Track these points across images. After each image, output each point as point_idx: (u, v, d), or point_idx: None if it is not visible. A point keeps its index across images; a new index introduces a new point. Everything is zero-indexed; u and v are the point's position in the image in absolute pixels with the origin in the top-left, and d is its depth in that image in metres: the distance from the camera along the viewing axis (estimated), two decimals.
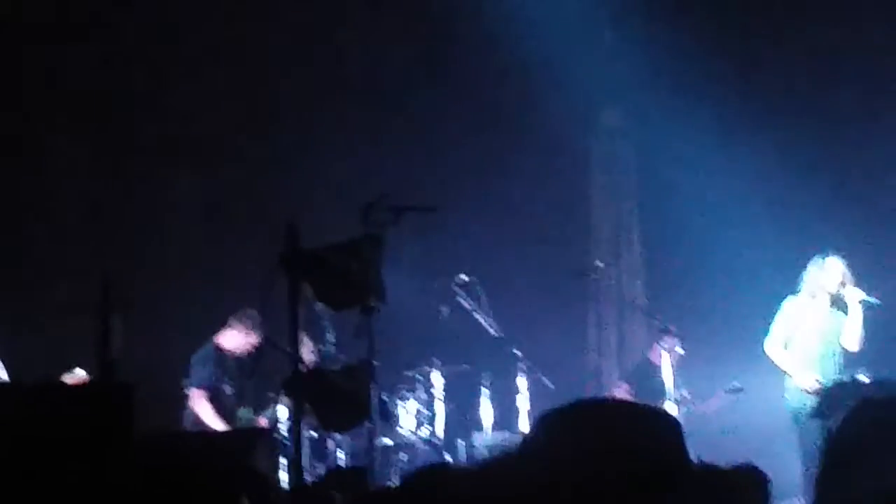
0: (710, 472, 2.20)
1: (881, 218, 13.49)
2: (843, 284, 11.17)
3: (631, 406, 2.25)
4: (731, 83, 13.86)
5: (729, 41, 14.14)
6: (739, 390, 12.24)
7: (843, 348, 11.25)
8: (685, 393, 13.14)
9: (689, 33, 13.75)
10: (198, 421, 11.56)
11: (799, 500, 10.06)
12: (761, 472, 3.83)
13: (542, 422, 2.30)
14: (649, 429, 2.14)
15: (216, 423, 11.49)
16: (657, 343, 13.03)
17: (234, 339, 11.92)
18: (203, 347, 11.91)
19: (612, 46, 14.36)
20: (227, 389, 11.83)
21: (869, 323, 11.17)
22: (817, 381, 11.03)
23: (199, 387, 11.66)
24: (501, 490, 2.08)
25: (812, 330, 11.28)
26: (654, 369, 12.86)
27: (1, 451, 4.35)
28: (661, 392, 12.82)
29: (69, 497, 3.49)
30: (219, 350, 11.89)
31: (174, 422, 11.58)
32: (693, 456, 2.46)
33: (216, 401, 11.68)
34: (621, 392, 13.29)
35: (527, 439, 2.22)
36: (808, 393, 10.97)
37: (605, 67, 14.39)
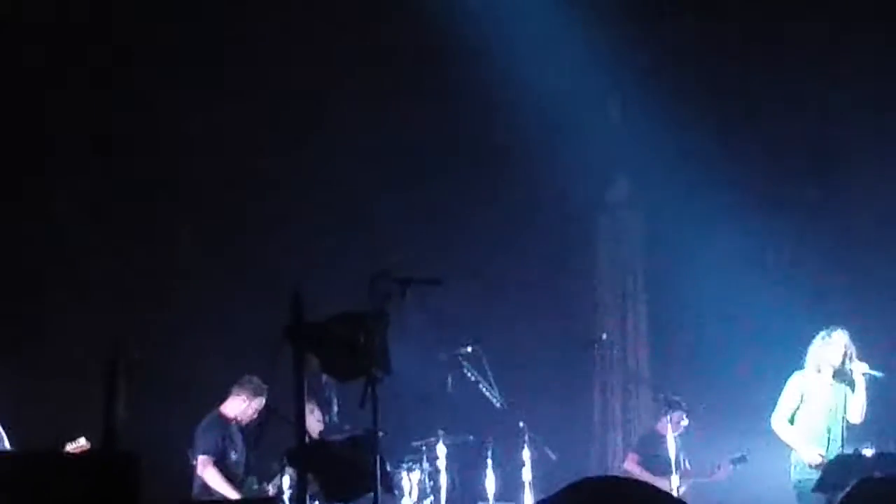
0: None
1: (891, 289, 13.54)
2: (847, 358, 11.19)
3: (633, 485, 2.30)
4: (738, 153, 13.91)
5: (734, 109, 14.21)
6: (743, 460, 12.24)
7: (847, 421, 11.25)
8: (688, 465, 13.16)
9: (694, 103, 13.83)
10: (207, 488, 11.54)
11: None
12: None
13: (548, 498, 2.35)
14: None
15: (226, 490, 11.48)
16: (663, 415, 13.07)
17: (238, 406, 11.97)
18: (208, 416, 11.92)
19: (618, 119, 14.44)
20: (233, 456, 11.83)
21: (872, 395, 11.17)
22: (820, 455, 11.02)
23: (206, 453, 11.66)
24: None
25: (817, 404, 11.28)
26: (661, 440, 12.88)
27: None
28: (667, 463, 12.85)
29: None
30: (223, 418, 11.93)
31: (182, 492, 11.54)
32: None
33: (223, 467, 11.67)
34: (631, 462, 13.29)
35: None
36: (812, 467, 10.96)
37: (611, 140, 14.49)
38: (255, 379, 11.86)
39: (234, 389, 11.99)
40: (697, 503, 13.06)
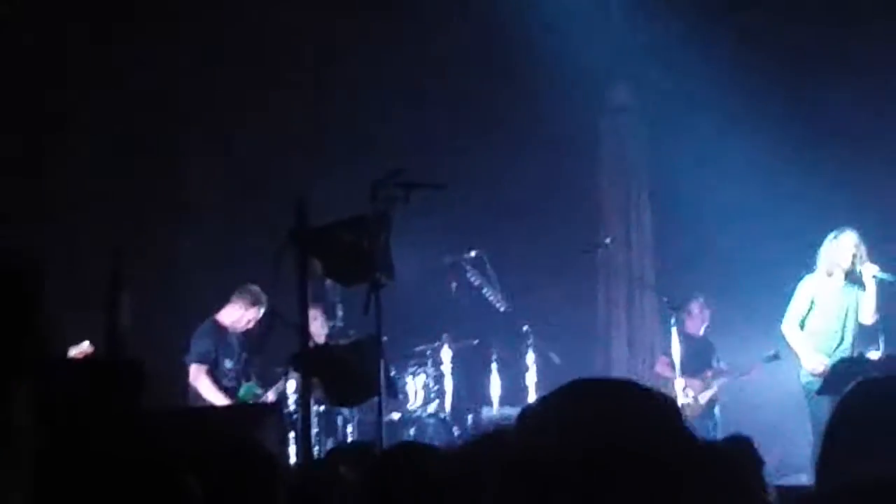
0: (702, 448, 2.21)
1: None
2: (857, 259, 11.16)
3: (629, 385, 2.26)
4: (746, 55, 13.78)
5: (742, 12, 14.08)
6: (776, 357, 12.12)
7: (858, 324, 11.25)
8: (723, 365, 13.20)
9: (699, 5, 13.72)
10: (198, 396, 11.56)
11: (808, 475, 10.10)
12: (748, 439, 3.87)
13: (538, 402, 2.33)
14: (646, 407, 2.16)
15: (217, 398, 11.48)
16: (689, 314, 13.11)
17: (233, 314, 11.90)
18: (203, 324, 11.92)
19: (622, 21, 14.31)
20: (227, 364, 11.82)
21: (883, 298, 11.17)
22: (823, 364, 11.04)
23: (197, 361, 11.67)
24: (489, 466, 2.10)
25: (828, 307, 11.27)
26: (690, 340, 12.94)
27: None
28: (701, 363, 12.91)
29: (74, 471, 3.50)
30: (217, 325, 11.88)
31: (182, 398, 11.58)
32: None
33: (215, 375, 11.69)
34: (661, 365, 13.27)
35: (522, 417, 2.24)
36: (815, 375, 10.98)
37: (614, 43, 14.35)
38: (255, 288, 11.80)
39: (233, 296, 11.93)
40: (733, 401, 13.17)
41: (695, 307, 13.19)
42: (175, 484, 3.20)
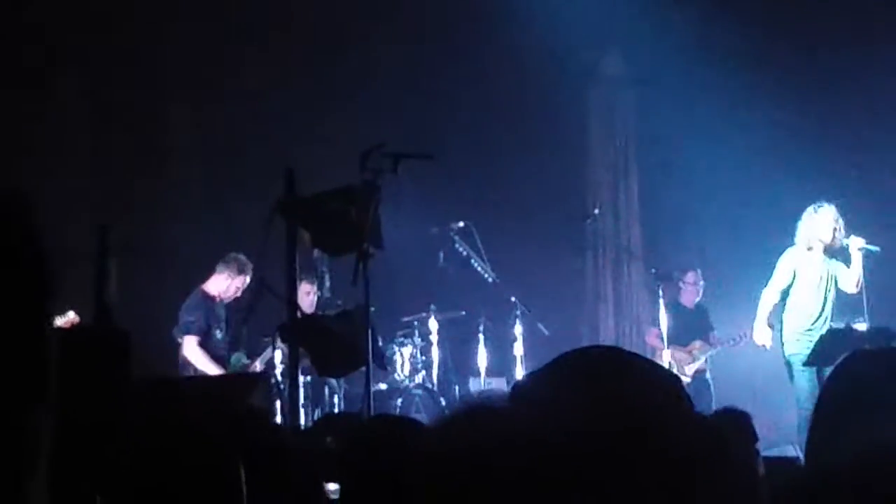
0: (694, 422, 2.20)
1: (882, 165, 13.51)
2: (837, 232, 11.19)
3: (624, 355, 2.24)
4: (734, 28, 13.76)
5: None
6: (770, 327, 12.13)
7: (837, 297, 11.30)
8: (714, 334, 13.22)
9: None
10: (192, 367, 11.55)
11: (793, 446, 10.13)
12: (744, 414, 3.87)
13: (531, 372, 2.31)
14: (642, 379, 2.14)
15: (210, 368, 11.49)
16: (682, 283, 13.15)
17: (220, 284, 11.86)
18: (191, 295, 11.89)
19: None
20: (218, 334, 11.81)
21: (869, 270, 11.20)
22: (764, 341, 11.26)
23: (189, 333, 11.64)
24: (471, 442, 2.08)
25: (809, 280, 11.31)
26: (682, 310, 12.99)
27: None
28: (688, 333, 12.94)
29: (66, 441, 3.49)
30: (206, 296, 11.85)
31: (169, 369, 11.54)
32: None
33: (207, 346, 11.67)
34: (652, 337, 13.29)
35: (515, 390, 2.22)
36: (794, 344, 11.11)
37: (604, 13, 14.30)
38: (240, 256, 11.78)
39: (218, 266, 11.89)
40: (720, 370, 13.20)
41: (690, 277, 13.23)
42: (223, 472, 3.17)
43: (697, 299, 13.32)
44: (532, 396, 2.15)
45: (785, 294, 11.38)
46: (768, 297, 11.45)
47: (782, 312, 11.43)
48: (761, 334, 11.47)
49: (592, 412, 2.05)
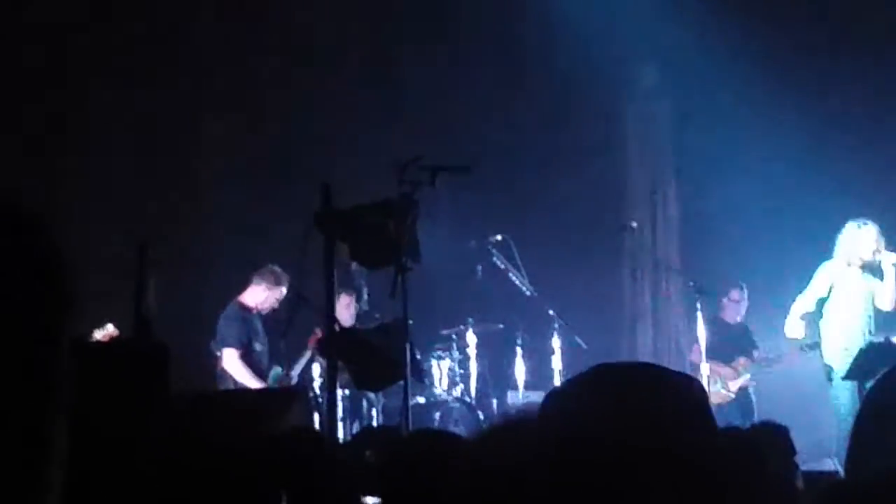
0: (731, 436, 2.19)
1: None
2: (877, 251, 11.17)
3: (654, 370, 2.24)
4: (772, 36, 13.72)
5: None
6: (816, 346, 12.00)
7: (876, 312, 11.27)
8: (761, 352, 13.15)
9: None
10: (231, 380, 11.53)
11: (832, 460, 10.08)
12: (782, 428, 3.85)
13: (561, 387, 2.31)
14: (672, 395, 2.14)
15: (251, 382, 11.45)
16: (727, 300, 13.11)
17: (257, 295, 11.83)
18: (228, 307, 11.88)
19: (650, 3, 14.24)
20: (258, 347, 11.78)
21: None
22: (797, 334, 11.42)
23: (228, 346, 11.59)
24: (508, 457, 2.08)
25: (846, 295, 11.29)
26: (725, 327, 12.97)
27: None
28: (731, 349, 12.88)
29: (104, 457, 3.49)
30: (243, 308, 11.82)
31: (207, 383, 11.51)
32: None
33: (248, 359, 11.65)
34: (695, 353, 13.21)
35: (544, 404, 2.22)
36: (807, 346, 11.10)
37: (642, 25, 14.29)
38: (276, 267, 11.75)
39: (255, 278, 11.87)
40: (766, 388, 13.14)
41: (735, 295, 13.18)
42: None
43: (739, 318, 13.26)
44: (562, 409, 2.15)
45: (823, 308, 11.35)
46: (801, 303, 11.45)
47: (821, 328, 11.41)
48: (793, 328, 11.39)
49: (621, 425, 2.04)
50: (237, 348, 11.56)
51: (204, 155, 13.97)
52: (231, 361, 11.52)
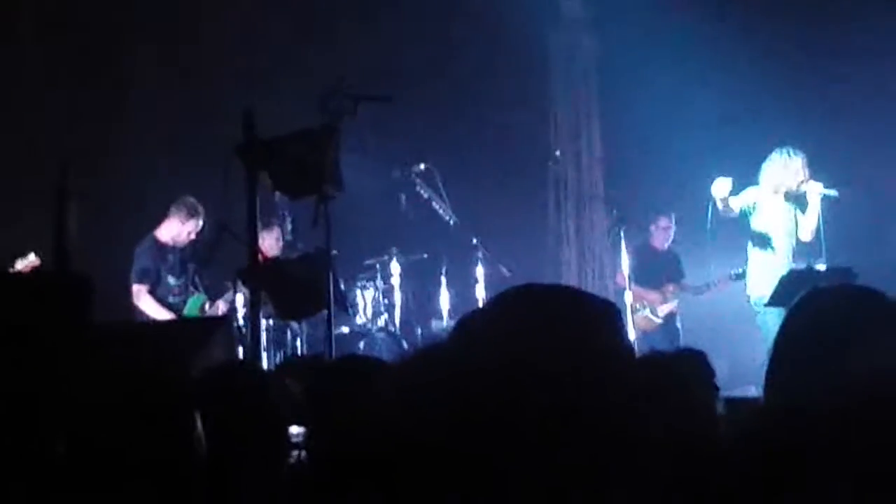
0: (652, 360, 2.21)
1: (844, 110, 13.56)
2: (803, 181, 11.23)
3: (569, 292, 2.24)
4: None
5: None
6: (743, 275, 12.09)
7: (798, 240, 11.37)
8: (684, 280, 13.26)
9: None
10: (143, 315, 11.44)
11: (756, 387, 10.19)
12: (700, 353, 3.89)
13: (473, 312, 2.31)
14: (589, 315, 2.14)
15: (161, 315, 11.37)
16: (655, 227, 13.18)
17: (173, 228, 11.70)
18: (143, 241, 11.76)
19: None
20: (170, 280, 11.69)
21: (827, 213, 11.24)
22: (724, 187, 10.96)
23: (139, 282, 11.50)
24: (428, 377, 2.08)
25: (774, 223, 11.35)
26: (651, 253, 13.07)
27: None
28: (657, 276, 12.97)
29: (24, 388, 3.46)
30: (157, 242, 11.71)
31: (126, 314, 11.43)
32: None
33: (158, 293, 11.59)
34: (621, 277, 13.29)
35: (463, 324, 2.22)
36: (736, 275, 11.35)
37: None
38: (190, 199, 11.61)
39: (170, 210, 11.74)
40: (690, 317, 13.28)
41: (663, 222, 13.26)
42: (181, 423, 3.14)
43: (668, 244, 13.35)
44: (474, 331, 2.16)
45: (749, 236, 11.41)
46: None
47: (748, 255, 11.49)
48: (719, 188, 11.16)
49: (532, 344, 2.05)
50: (145, 283, 11.48)
51: (127, 82, 13.77)
52: (138, 295, 11.46)
